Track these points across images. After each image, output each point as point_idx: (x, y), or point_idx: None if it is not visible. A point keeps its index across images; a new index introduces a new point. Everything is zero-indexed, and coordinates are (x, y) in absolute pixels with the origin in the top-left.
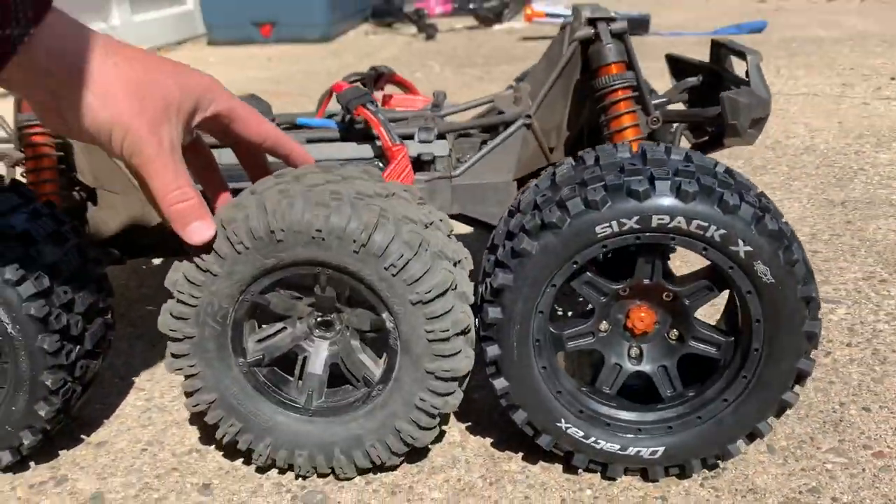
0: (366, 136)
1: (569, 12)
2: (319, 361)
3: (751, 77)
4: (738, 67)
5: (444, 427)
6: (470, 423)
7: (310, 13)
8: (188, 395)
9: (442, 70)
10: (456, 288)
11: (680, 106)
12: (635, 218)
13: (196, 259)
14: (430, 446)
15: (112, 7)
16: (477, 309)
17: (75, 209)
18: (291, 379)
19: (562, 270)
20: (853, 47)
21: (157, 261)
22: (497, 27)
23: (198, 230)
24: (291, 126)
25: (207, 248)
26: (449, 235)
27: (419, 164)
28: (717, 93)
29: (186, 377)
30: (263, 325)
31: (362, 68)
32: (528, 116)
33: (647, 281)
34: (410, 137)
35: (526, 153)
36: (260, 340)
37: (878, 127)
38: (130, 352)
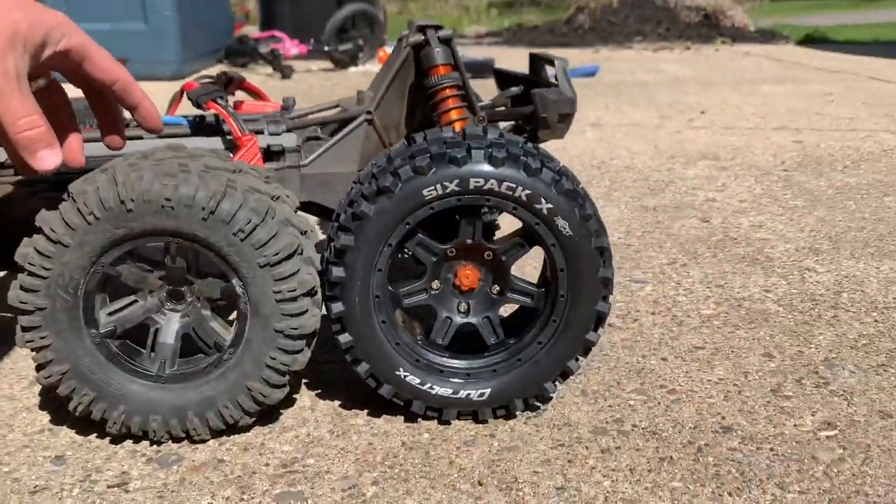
0: (216, 131)
1: None
2: (171, 332)
3: (559, 79)
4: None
5: (294, 395)
6: (319, 391)
7: (162, 51)
8: (40, 367)
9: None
10: (302, 253)
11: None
12: (456, 181)
13: (47, 230)
14: (280, 410)
15: None
16: (323, 273)
17: None
18: (144, 351)
19: (396, 231)
20: (671, 88)
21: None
22: (352, 69)
23: (46, 157)
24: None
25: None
26: (296, 211)
27: (269, 155)
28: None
29: (37, 350)
30: (116, 300)
31: None
32: (370, 112)
33: (469, 241)
34: (261, 133)
35: (368, 146)
36: (112, 313)
37: (688, 150)
38: None
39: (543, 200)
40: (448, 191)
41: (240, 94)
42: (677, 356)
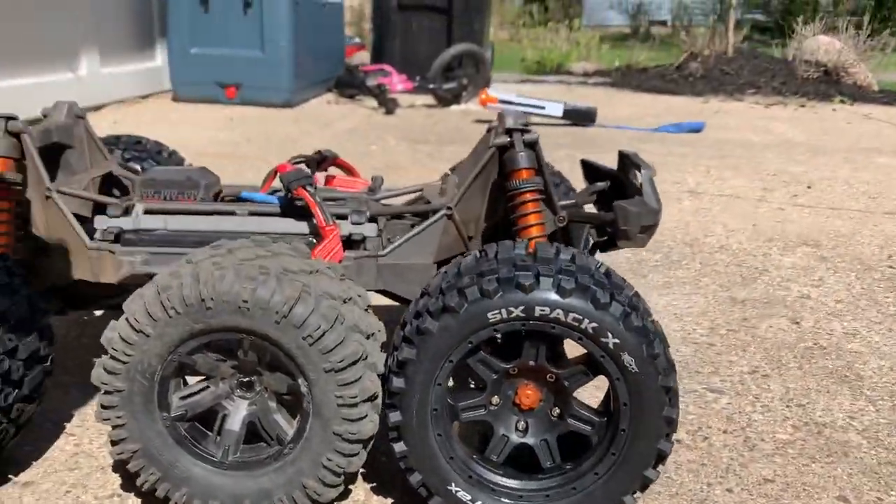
0: (304, 214)
1: (519, 100)
2: (238, 419)
3: (644, 189)
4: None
5: (350, 486)
6: (374, 484)
7: (275, 78)
8: (114, 443)
9: (397, 144)
10: (366, 359)
11: (590, 207)
12: (521, 307)
13: (132, 319)
14: (334, 501)
15: (81, 58)
16: (384, 379)
17: (28, 260)
18: (210, 434)
19: (458, 348)
20: (779, 153)
21: (97, 313)
22: (454, 107)
23: None
24: (235, 199)
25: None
26: (366, 310)
27: (350, 242)
28: (619, 198)
29: (114, 427)
30: (188, 383)
31: (322, 136)
32: (450, 208)
33: (532, 363)
34: (345, 218)
35: (446, 239)
36: (184, 397)
37: (787, 232)
38: (65, 398)
39: (610, 335)
40: (513, 316)
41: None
42: (744, 488)
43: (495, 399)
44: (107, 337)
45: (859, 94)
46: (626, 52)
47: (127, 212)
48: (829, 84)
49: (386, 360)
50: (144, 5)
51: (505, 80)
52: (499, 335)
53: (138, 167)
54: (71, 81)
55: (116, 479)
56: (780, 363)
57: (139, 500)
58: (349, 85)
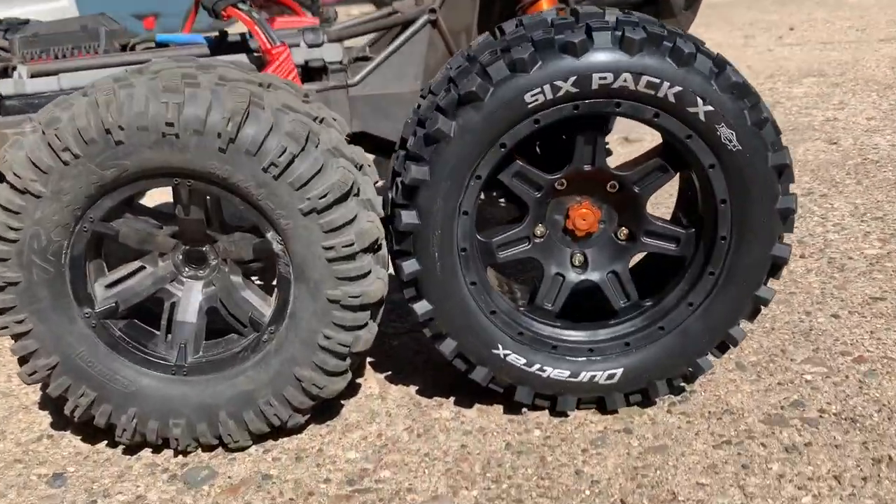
0: (240, 47)
1: None
2: (192, 307)
3: None
4: None
5: (358, 379)
6: (390, 373)
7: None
8: (22, 361)
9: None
10: (359, 193)
11: None
12: (572, 79)
13: (10, 177)
14: (341, 401)
15: None
16: (388, 221)
17: None
18: (157, 332)
19: (487, 156)
20: (748, 7)
21: None
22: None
23: None
24: (151, 46)
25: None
26: (347, 139)
27: (308, 73)
28: None
29: (16, 337)
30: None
31: None
32: (433, 11)
33: (587, 167)
34: (296, 46)
35: (434, 57)
36: (111, 285)
37: (786, 68)
38: None
39: (700, 100)
40: (561, 94)
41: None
42: (852, 310)
43: (540, 228)
44: None
45: None
46: None
47: (5, 74)
48: None
49: (385, 198)
50: None
51: None
52: (539, 126)
53: None
54: None
55: (46, 418)
56: (835, 182)
57: (78, 438)
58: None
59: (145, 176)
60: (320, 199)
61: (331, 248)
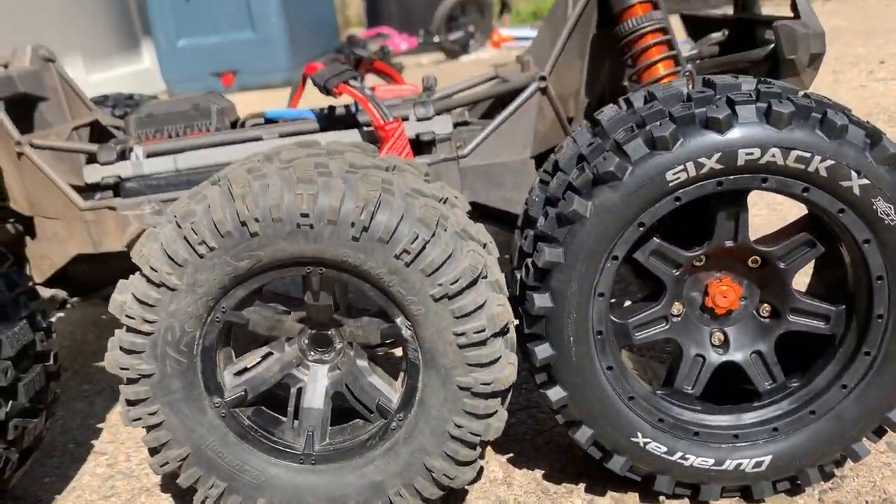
0: (351, 121)
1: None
2: (319, 392)
3: (800, 8)
4: None
5: (480, 462)
6: (512, 454)
7: (271, 58)
8: (153, 451)
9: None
10: (487, 276)
11: None
12: (716, 156)
13: (146, 270)
14: (466, 487)
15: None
16: (517, 301)
17: (10, 244)
18: (284, 419)
19: (624, 236)
20: (830, 42)
21: None
22: (464, 58)
23: None
24: (260, 122)
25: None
26: (469, 215)
27: (418, 146)
28: (748, 44)
29: (148, 428)
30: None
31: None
32: (543, 78)
33: (728, 243)
34: (406, 119)
35: (543, 124)
36: (239, 373)
37: (884, 105)
38: (88, 411)
39: (855, 174)
40: (704, 171)
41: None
42: None
43: (677, 307)
44: (116, 302)
45: None
46: None
47: (123, 156)
48: None
49: (512, 278)
50: (121, 4)
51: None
52: (680, 203)
53: None
54: None
55: (167, 502)
56: None
57: None
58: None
59: (279, 266)
60: (452, 284)
61: (462, 333)
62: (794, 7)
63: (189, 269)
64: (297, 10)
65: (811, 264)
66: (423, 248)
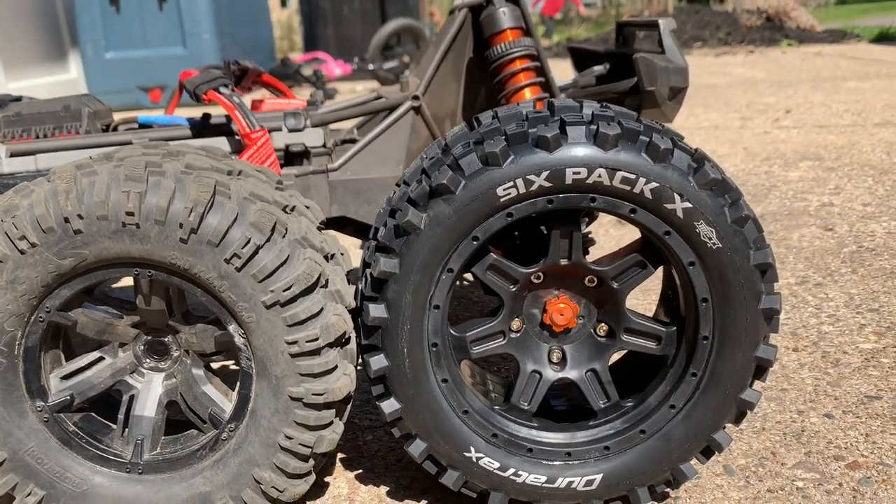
0: (222, 130)
1: None
2: (152, 400)
3: (664, 44)
4: None
5: (327, 478)
6: (361, 471)
7: None
8: None
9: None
10: (326, 285)
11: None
12: (545, 174)
13: None
14: (307, 502)
15: None
16: (357, 312)
17: None
18: (114, 426)
19: (459, 249)
20: (745, 89)
21: None
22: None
23: None
24: (133, 126)
25: None
26: (319, 228)
27: (289, 157)
28: (627, 77)
29: None
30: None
31: None
32: (416, 98)
33: (564, 262)
34: (277, 130)
35: (416, 143)
36: (67, 376)
37: (782, 150)
38: None
39: (678, 197)
40: (534, 188)
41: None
42: (846, 410)
43: (516, 322)
44: None
45: (805, 36)
46: (565, 30)
47: None
48: (773, 30)
49: (357, 289)
50: (50, 12)
51: None
52: (512, 220)
53: None
54: None
55: None
56: (830, 270)
57: None
58: (283, 76)
59: (104, 265)
60: (284, 291)
61: (294, 342)
62: (659, 42)
63: (9, 265)
64: (232, 30)
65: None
66: (256, 252)
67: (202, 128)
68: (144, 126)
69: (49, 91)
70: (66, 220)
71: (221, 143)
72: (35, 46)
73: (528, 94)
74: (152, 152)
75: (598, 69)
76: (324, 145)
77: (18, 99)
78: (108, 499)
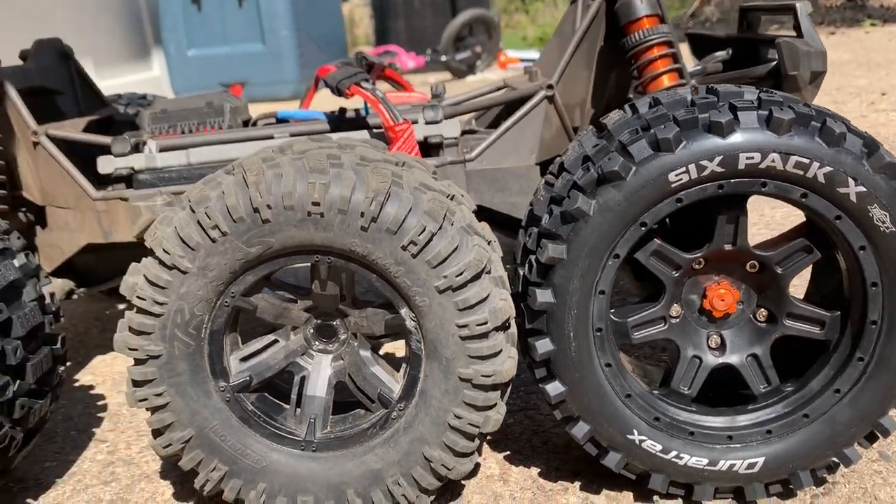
0: (361, 123)
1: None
2: (322, 381)
3: (802, 27)
4: None
5: (477, 459)
6: (509, 453)
7: (280, 71)
8: (157, 433)
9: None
10: (491, 271)
11: None
12: (718, 159)
13: (159, 253)
14: (462, 481)
15: None
16: (520, 297)
17: (22, 232)
18: (287, 406)
19: (626, 235)
20: (833, 72)
21: (122, 305)
22: (471, 78)
23: None
24: (272, 122)
25: None
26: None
27: (426, 148)
28: (751, 62)
29: (153, 410)
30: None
31: None
32: (550, 87)
33: (728, 247)
34: (415, 123)
35: (548, 132)
36: (245, 358)
37: (884, 135)
38: (89, 401)
39: (852, 181)
40: (706, 174)
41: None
42: None
43: (675, 308)
44: (128, 283)
45: (889, 15)
46: None
47: (136, 149)
48: (854, 9)
49: (515, 275)
50: (134, 12)
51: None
52: (681, 205)
53: None
54: None
55: (167, 488)
56: None
57: None
58: None
59: (288, 253)
60: (456, 276)
61: (465, 325)
62: (797, 27)
63: (201, 252)
64: (308, 26)
65: (808, 270)
66: (430, 240)
67: (339, 122)
68: (282, 121)
69: (135, 88)
70: (256, 210)
71: (363, 136)
72: (121, 46)
73: (666, 80)
74: (326, 145)
75: (721, 55)
76: (456, 137)
77: (143, 97)
78: (285, 475)
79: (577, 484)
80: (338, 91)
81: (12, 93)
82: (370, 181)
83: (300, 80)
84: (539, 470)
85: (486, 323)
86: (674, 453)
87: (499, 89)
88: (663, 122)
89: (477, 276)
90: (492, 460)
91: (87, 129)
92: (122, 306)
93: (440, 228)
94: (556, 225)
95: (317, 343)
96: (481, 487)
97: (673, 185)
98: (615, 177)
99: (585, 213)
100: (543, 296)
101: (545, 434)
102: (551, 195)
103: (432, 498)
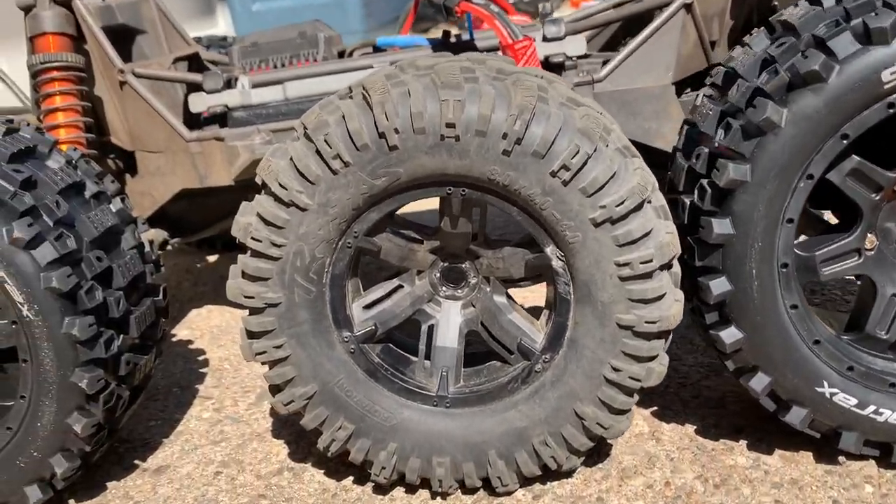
0: (469, 48)
1: None
2: (452, 330)
3: None
4: None
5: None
6: (656, 408)
7: (346, 22)
8: (276, 389)
9: None
10: (652, 200)
11: None
12: None
13: (274, 188)
14: (610, 441)
15: None
16: (683, 232)
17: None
18: (415, 359)
19: (823, 150)
20: None
21: (212, 257)
22: None
23: None
24: (370, 50)
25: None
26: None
27: (549, 68)
28: None
29: (272, 364)
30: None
31: None
32: None
33: None
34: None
35: (686, 47)
36: (368, 306)
37: None
38: (189, 356)
39: None
40: None
41: None
42: None
43: (870, 239)
44: (240, 224)
45: None
46: None
47: (229, 86)
48: None
49: (673, 206)
50: None
51: None
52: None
53: None
54: None
55: (282, 448)
56: None
57: (321, 472)
58: (424, 16)
59: (417, 185)
60: (617, 206)
61: (626, 264)
62: None
63: (322, 186)
64: None
65: None
66: (585, 163)
67: (444, 47)
68: (381, 49)
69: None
70: (382, 135)
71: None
72: (185, 2)
73: None
74: (455, 58)
75: None
76: (580, 56)
77: (224, 38)
78: (418, 433)
79: (744, 443)
80: (446, 9)
81: (96, 30)
82: (513, 97)
83: (366, 30)
84: (694, 427)
85: (651, 260)
86: (871, 408)
87: (620, 3)
88: (872, 8)
89: (639, 206)
90: (638, 417)
91: (173, 68)
92: (212, 258)
93: (596, 150)
94: (737, 142)
95: (444, 289)
96: (632, 447)
97: (886, 87)
98: (814, 78)
99: (776, 125)
100: (721, 226)
101: (694, 387)
102: (722, 109)
103: (582, 459)
